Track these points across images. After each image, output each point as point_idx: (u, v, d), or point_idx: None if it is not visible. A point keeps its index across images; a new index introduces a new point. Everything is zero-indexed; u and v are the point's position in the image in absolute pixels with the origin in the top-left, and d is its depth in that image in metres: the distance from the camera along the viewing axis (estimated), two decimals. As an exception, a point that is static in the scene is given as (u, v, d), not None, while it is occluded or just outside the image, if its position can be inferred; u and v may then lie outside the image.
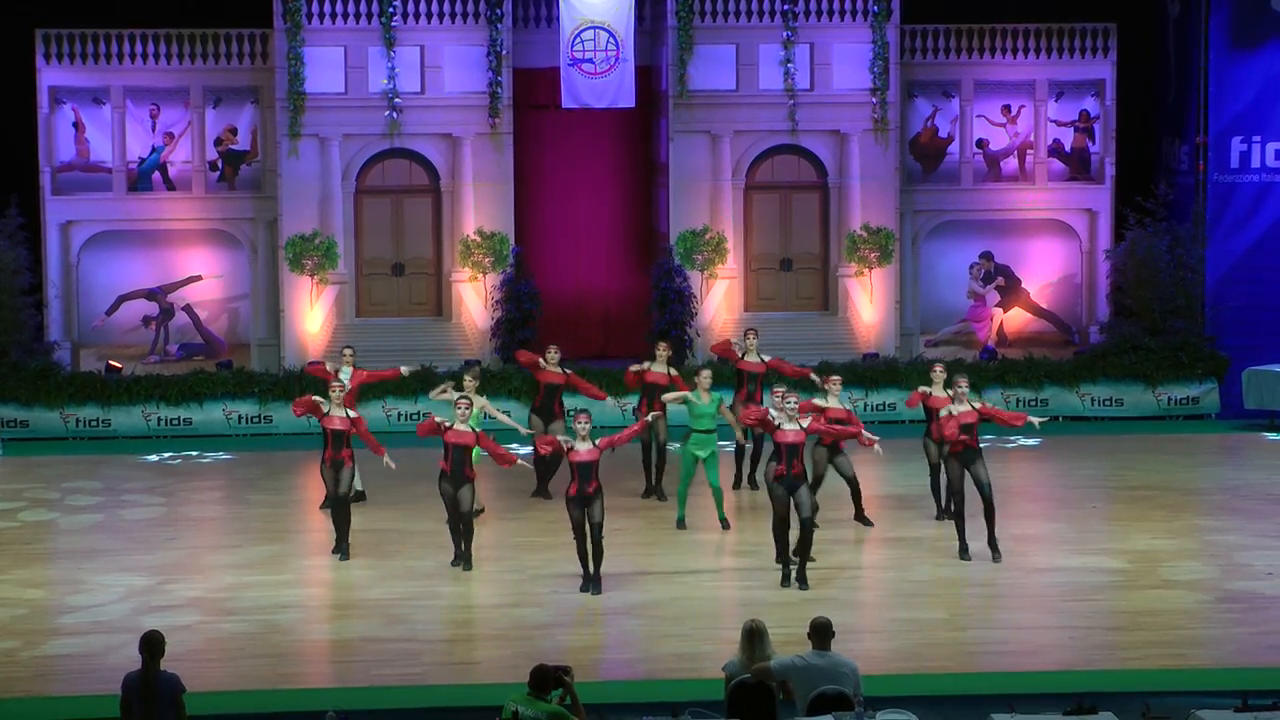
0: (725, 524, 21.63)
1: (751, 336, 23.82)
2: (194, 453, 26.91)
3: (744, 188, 29.90)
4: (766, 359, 23.58)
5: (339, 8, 29.06)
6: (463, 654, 17.25)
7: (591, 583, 18.91)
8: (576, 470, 18.91)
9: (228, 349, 29.75)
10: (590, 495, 18.85)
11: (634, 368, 23.55)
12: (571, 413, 20.56)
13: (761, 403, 23.15)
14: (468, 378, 22.02)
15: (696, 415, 21.73)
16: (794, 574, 18.97)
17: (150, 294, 29.65)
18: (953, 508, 20.31)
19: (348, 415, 20.50)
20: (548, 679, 12.80)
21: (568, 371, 23.57)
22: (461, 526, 19.85)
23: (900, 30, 29.71)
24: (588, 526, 18.86)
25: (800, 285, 30.24)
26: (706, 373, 22.28)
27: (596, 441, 18.98)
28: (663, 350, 23.47)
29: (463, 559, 19.90)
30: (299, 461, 25.59)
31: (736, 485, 23.69)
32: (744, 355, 23.63)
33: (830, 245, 30.09)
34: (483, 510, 21.67)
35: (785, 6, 29.41)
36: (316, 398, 20.83)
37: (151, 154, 29.57)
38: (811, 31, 29.54)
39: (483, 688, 15.71)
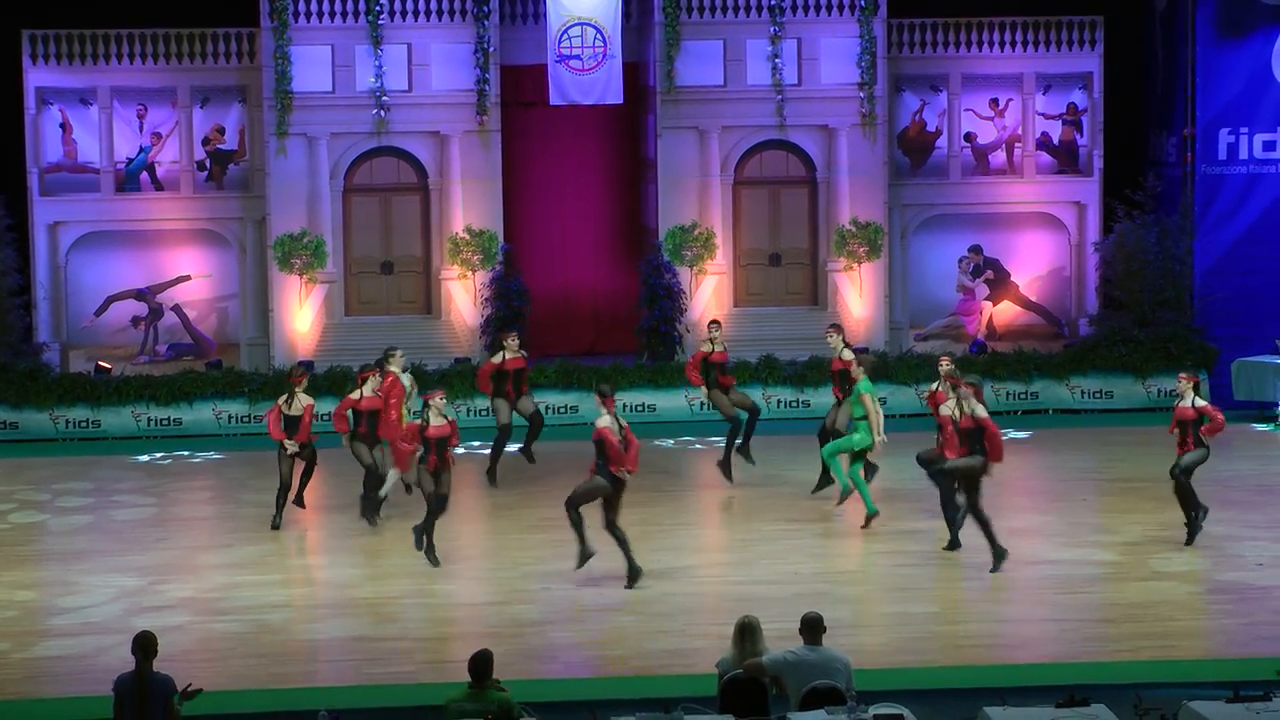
0: None
1: (715, 329, 23.66)
2: (184, 453, 26.88)
3: (732, 183, 29.89)
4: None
5: (326, 6, 29.02)
6: (455, 652, 17.18)
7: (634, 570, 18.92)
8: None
9: (217, 349, 29.71)
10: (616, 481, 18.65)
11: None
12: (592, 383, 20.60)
13: (729, 387, 23.25)
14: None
15: None
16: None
17: (139, 294, 29.61)
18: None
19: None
20: (488, 666, 12.82)
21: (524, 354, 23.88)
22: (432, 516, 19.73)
23: (887, 24, 29.71)
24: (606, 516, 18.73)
25: (789, 280, 30.23)
26: None
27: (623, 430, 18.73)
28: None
29: (428, 549, 19.81)
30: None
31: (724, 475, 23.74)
32: (713, 347, 23.51)
33: (819, 240, 30.08)
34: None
35: (772, 2, 29.37)
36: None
37: (139, 154, 29.53)
38: (799, 26, 29.54)
39: (475, 686, 15.69)
